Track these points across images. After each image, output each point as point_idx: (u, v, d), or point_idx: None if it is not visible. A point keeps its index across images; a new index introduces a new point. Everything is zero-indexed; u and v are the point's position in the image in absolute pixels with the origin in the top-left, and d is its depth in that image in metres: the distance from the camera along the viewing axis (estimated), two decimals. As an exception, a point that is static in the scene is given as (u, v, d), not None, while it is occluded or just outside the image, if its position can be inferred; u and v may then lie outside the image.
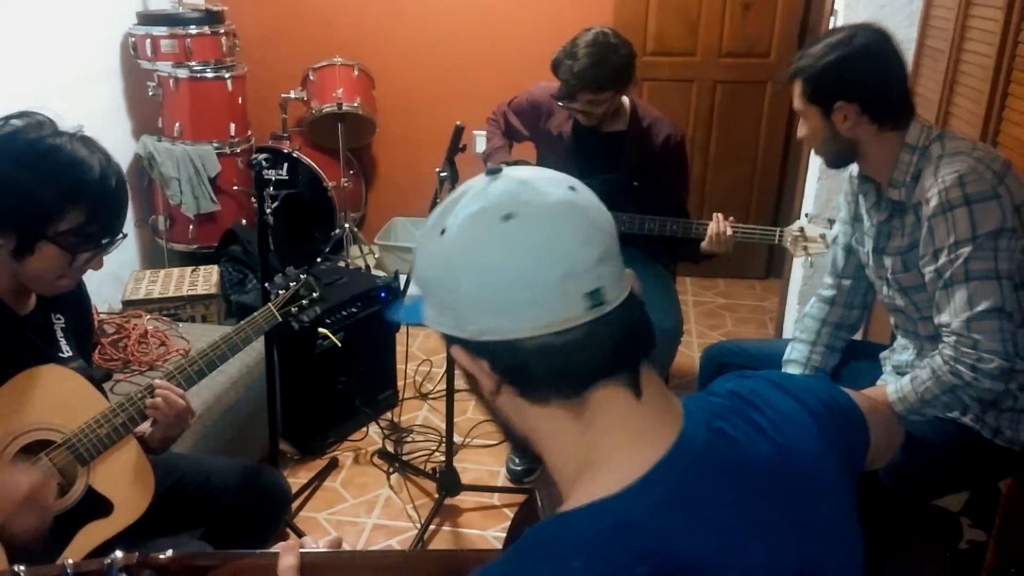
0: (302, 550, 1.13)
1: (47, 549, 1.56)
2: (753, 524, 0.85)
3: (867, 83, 1.86)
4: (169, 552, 1.05)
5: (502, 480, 2.95)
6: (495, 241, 0.83)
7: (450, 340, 0.90)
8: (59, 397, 1.63)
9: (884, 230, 1.98)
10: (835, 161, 1.99)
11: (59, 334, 1.74)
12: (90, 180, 1.53)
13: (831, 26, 3.04)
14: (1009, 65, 2.15)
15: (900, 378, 1.87)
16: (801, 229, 2.34)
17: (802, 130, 1.98)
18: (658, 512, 0.81)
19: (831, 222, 2.30)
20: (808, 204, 3.21)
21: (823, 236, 2.30)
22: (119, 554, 1.02)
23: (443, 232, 0.86)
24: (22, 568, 1.02)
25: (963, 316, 1.73)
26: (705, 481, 0.85)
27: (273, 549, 1.13)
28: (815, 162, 3.18)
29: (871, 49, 1.84)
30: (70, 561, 1.01)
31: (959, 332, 1.74)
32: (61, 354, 1.73)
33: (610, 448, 0.86)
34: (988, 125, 2.22)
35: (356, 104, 4.27)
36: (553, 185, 0.87)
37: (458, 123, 2.39)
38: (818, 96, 1.88)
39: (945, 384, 1.76)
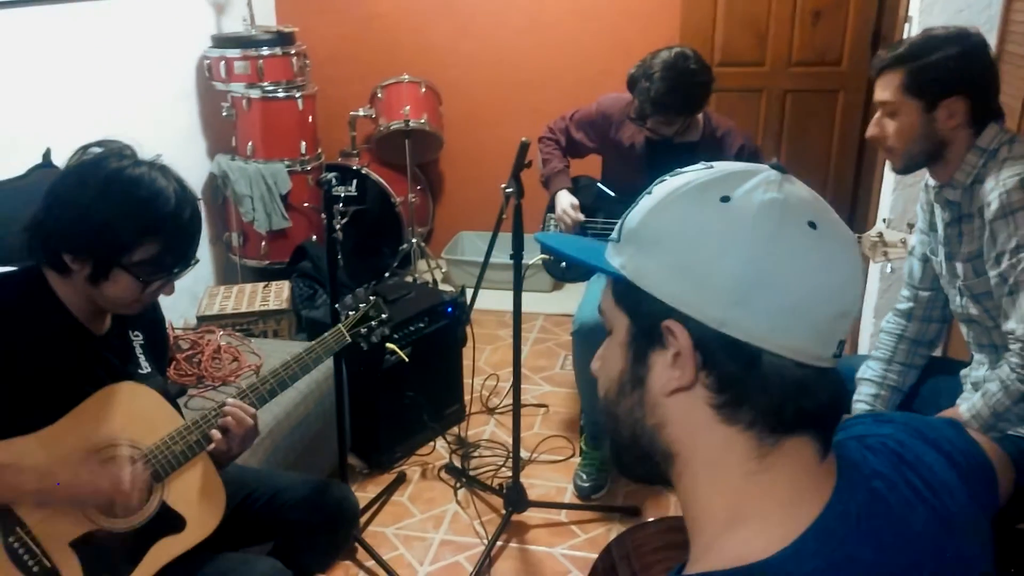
0: None
1: (119, 565, 1.59)
2: None
3: (983, 81, 1.80)
4: None
5: (569, 496, 2.93)
6: (804, 241, 0.75)
7: (656, 310, 0.78)
8: (137, 413, 1.67)
9: (952, 235, 1.91)
10: (912, 164, 1.89)
11: (138, 351, 1.79)
12: (166, 214, 1.57)
13: (905, 33, 2.97)
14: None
15: (973, 395, 1.81)
16: (880, 234, 2.28)
17: (886, 126, 1.86)
18: None
19: (911, 226, 2.23)
20: (884, 212, 3.12)
21: (903, 241, 2.23)
22: None
23: (726, 199, 0.76)
24: None
25: None
26: (861, 552, 0.77)
27: None
28: (891, 171, 3.09)
29: (987, 49, 1.79)
30: None
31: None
32: (141, 370, 1.77)
33: (771, 502, 0.78)
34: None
35: (423, 120, 4.31)
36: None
37: (524, 139, 2.39)
38: (926, 89, 1.78)
39: (1015, 394, 1.70)
